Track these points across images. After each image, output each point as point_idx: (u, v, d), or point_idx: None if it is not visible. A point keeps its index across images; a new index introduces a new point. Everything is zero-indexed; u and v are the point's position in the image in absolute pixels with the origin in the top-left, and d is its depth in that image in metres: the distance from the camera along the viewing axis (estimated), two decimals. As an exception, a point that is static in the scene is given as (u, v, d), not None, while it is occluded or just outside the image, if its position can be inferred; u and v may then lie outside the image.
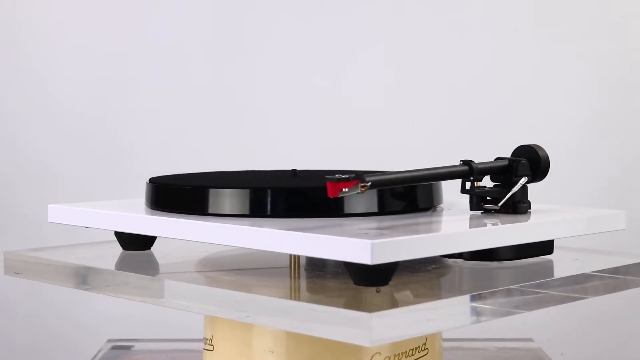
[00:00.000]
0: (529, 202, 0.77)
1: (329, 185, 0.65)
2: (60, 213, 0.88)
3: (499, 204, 0.75)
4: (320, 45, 1.46)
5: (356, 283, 0.65)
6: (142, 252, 0.83)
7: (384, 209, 0.74)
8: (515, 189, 0.75)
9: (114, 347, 1.14)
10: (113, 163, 1.46)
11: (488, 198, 0.76)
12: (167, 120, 1.46)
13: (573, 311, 1.43)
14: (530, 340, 1.16)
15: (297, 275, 0.74)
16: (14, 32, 1.46)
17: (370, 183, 0.67)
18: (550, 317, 1.38)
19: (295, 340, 0.73)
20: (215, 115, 1.46)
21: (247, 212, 0.73)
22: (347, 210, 0.73)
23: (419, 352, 0.76)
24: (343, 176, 0.66)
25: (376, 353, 0.73)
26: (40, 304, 1.46)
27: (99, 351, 1.13)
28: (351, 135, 1.45)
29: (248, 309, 0.65)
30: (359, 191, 0.66)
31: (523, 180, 0.76)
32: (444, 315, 0.63)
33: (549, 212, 0.77)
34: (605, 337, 1.44)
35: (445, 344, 1.08)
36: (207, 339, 0.78)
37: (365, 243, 0.60)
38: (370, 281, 0.65)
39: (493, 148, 1.44)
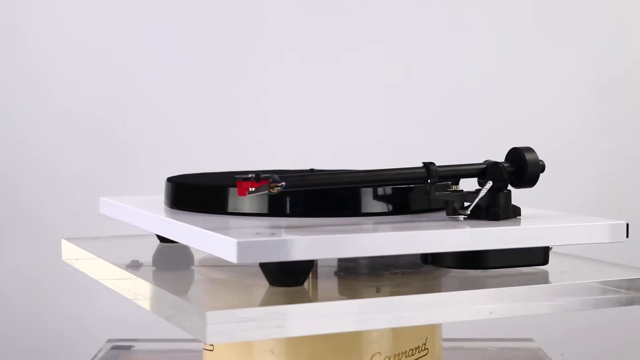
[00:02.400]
0: (516, 208, 0.73)
1: (238, 185, 0.66)
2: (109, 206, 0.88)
3: (468, 210, 0.71)
4: (319, 44, 1.46)
5: (271, 283, 0.66)
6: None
7: (400, 209, 0.74)
8: (481, 194, 0.71)
9: (114, 347, 1.14)
10: (114, 162, 1.46)
11: (466, 204, 0.72)
12: (169, 119, 1.46)
13: (573, 311, 1.42)
14: (530, 340, 1.16)
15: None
16: (14, 32, 1.46)
17: (283, 183, 0.67)
18: (550, 317, 1.38)
19: (295, 340, 0.73)
20: (216, 114, 1.46)
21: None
22: (364, 210, 0.73)
23: (419, 352, 0.76)
24: (251, 176, 0.66)
25: (376, 353, 0.73)
26: (41, 303, 1.46)
27: (99, 351, 1.13)
28: (351, 135, 1.45)
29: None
30: (270, 191, 0.66)
31: (487, 185, 0.71)
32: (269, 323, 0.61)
33: (537, 218, 0.73)
34: (605, 337, 1.44)
35: (445, 344, 1.07)
36: (207, 339, 0.78)
37: (232, 242, 0.61)
38: (281, 281, 0.66)
39: (493, 148, 1.44)
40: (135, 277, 0.73)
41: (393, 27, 1.45)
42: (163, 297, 0.67)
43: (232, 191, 0.74)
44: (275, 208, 0.73)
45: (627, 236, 0.70)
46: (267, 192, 0.66)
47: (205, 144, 1.46)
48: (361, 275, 0.75)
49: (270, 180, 0.66)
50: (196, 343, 1.04)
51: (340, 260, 0.78)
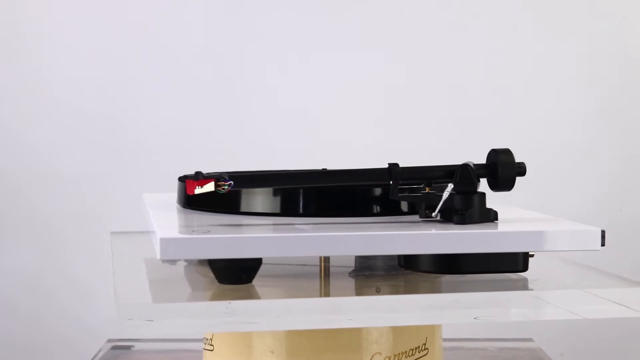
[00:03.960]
0: (491, 211, 0.70)
1: (187, 184, 0.67)
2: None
3: (435, 212, 0.69)
4: (319, 42, 1.46)
5: (219, 281, 0.68)
6: None
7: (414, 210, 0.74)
8: (443, 197, 0.69)
9: (114, 347, 1.14)
10: (115, 161, 1.46)
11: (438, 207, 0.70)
12: (172, 117, 1.46)
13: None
14: (530, 340, 1.16)
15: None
16: (14, 32, 1.46)
17: (231, 183, 0.68)
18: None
19: (295, 340, 0.73)
20: (218, 114, 1.46)
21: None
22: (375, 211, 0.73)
23: (419, 352, 0.76)
24: (201, 175, 0.68)
25: (376, 353, 0.73)
26: (41, 303, 1.46)
27: (99, 351, 1.13)
28: (351, 135, 1.45)
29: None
30: (219, 190, 0.67)
31: (448, 188, 0.69)
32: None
33: (510, 222, 0.71)
34: (605, 337, 1.44)
35: (445, 344, 1.07)
36: (207, 339, 0.78)
37: (157, 238, 0.62)
38: (228, 279, 0.67)
39: (492, 148, 1.44)
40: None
41: (392, 28, 1.45)
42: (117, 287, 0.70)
43: (245, 190, 0.75)
44: (288, 208, 0.73)
45: (603, 244, 0.66)
46: (214, 190, 0.67)
47: (206, 144, 1.46)
48: (373, 276, 0.74)
49: (216, 179, 0.67)
50: (196, 343, 1.04)
51: (357, 260, 0.77)
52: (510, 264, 0.69)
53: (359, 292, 0.71)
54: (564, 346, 1.42)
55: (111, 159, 1.46)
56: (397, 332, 0.74)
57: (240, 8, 1.45)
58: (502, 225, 0.68)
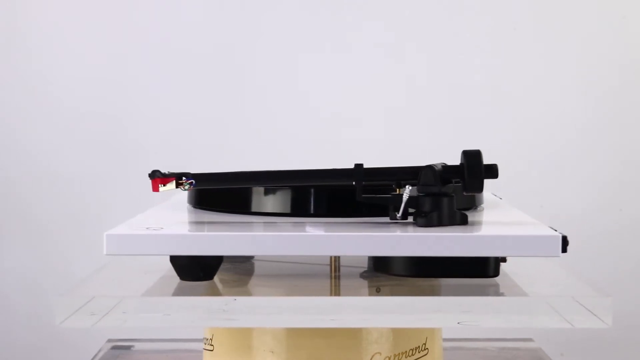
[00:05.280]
0: (458, 214, 0.69)
1: (152, 182, 0.70)
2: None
3: (399, 214, 0.69)
4: (319, 42, 1.46)
5: (181, 278, 0.70)
6: None
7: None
8: (404, 199, 0.68)
9: (114, 347, 1.14)
10: (115, 162, 1.46)
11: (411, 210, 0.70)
12: (171, 117, 1.46)
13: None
14: (530, 340, 1.16)
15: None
16: (13, 33, 1.46)
17: (192, 181, 0.70)
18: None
19: (295, 340, 0.73)
20: (218, 114, 1.46)
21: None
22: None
23: (419, 352, 0.76)
24: (165, 173, 0.70)
25: (376, 353, 0.73)
26: (41, 303, 1.46)
27: (99, 351, 1.13)
28: (352, 134, 1.45)
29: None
30: (182, 188, 0.70)
31: (407, 189, 0.68)
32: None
33: (474, 226, 0.69)
34: (605, 337, 1.44)
35: (446, 344, 1.07)
36: (207, 339, 0.78)
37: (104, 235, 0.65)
38: (187, 276, 0.69)
39: (492, 148, 1.44)
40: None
41: (392, 28, 1.45)
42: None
43: (256, 190, 0.75)
44: (298, 208, 0.74)
45: (564, 251, 0.64)
46: (184, 189, 0.70)
47: (206, 144, 1.46)
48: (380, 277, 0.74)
49: (177, 177, 0.70)
50: (196, 343, 1.04)
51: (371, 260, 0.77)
52: (481, 269, 0.68)
53: (345, 292, 0.71)
54: (564, 346, 1.42)
55: (111, 159, 1.46)
56: (397, 332, 0.74)
57: (241, 8, 1.45)
58: (462, 229, 0.67)
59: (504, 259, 0.69)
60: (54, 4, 1.46)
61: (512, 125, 1.44)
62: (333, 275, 0.75)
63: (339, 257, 0.75)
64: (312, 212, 0.74)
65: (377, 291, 0.68)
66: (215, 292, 0.70)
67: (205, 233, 0.66)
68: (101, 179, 1.45)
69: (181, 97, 1.46)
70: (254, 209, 0.76)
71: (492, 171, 0.69)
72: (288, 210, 0.75)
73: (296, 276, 0.77)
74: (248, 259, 0.82)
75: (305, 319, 0.65)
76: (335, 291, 0.71)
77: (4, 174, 1.47)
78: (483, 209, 0.81)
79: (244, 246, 0.65)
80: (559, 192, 1.43)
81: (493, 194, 0.90)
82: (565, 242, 0.64)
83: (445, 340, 0.84)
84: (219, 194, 0.81)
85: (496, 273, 0.68)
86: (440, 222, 0.68)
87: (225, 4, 1.45)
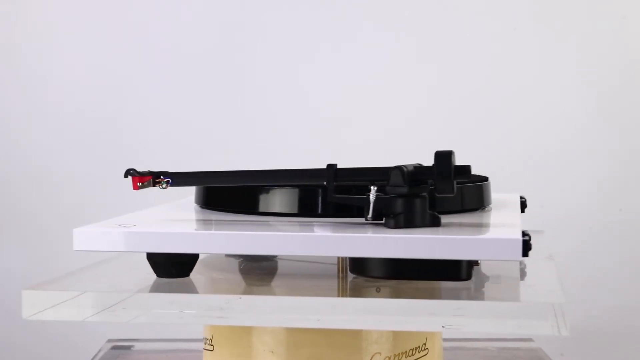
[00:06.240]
0: (428, 216, 0.68)
1: (132, 180, 0.74)
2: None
3: (369, 215, 0.68)
4: (318, 42, 1.46)
5: (158, 275, 0.71)
6: None
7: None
8: (371, 200, 0.68)
9: (114, 347, 1.14)
10: (115, 162, 1.46)
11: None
12: (170, 117, 1.46)
13: (573, 310, 1.42)
14: (530, 340, 1.16)
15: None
16: (13, 33, 1.46)
17: (169, 180, 0.73)
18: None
19: (296, 340, 0.73)
20: (218, 114, 1.46)
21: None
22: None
23: (419, 352, 0.76)
24: (144, 171, 0.74)
25: (376, 353, 0.73)
26: (40, 303, 1.46)
27: (99, 351, 1.13)
28: (352, 134, 1.45)
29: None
30: (159, 186, 0.74)
31: (372, 190, 0.68)
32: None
33: (446, 228, 0.68)
34: (605, 337, 1.44)
35: (446, 344, 1.08)
36: (207, 339, 0.78)
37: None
38: (165, 273, 0.71)
39: (492, 148, 1.45)
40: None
41: (392, 27, 1.45)
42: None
43: (263, 190, 0.76)
44: (305, 208, 0.74)
45: (525, 255, 0.62)
46: (162, 187, 0.73)
47: (207, 144, 1.46)
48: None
49: (153, 176, 0.73)
50: (196, 343, 1.04)
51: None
52: (453, 272, 0.67)
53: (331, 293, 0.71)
54: (564, 346, 1.42)
55: (111, 160, 1.46)
56: (398, 332, 0.74)
57: (241, 8, 1.45)
58: (429, 231, 0.66)
59: (476, 262, 0.68)
60: (51, 5, 1.46)
61: (512, 125, 1.44)
62: (340, 276, 0.75)
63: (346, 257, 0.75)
64: (319, 212, 0.74)
65: (377, 291, 0.68)
66: (216, 291, 0.70)
67: (166, 231, 0.67)
68: (102, 179, 1.45)
69: (181, 97, 1.46)
70: (261, 209, 0.76)
71: (464, 172, 0.68)
72: (294, 211, 0.75)
73: (293, 276, 0.77)
74: (268, 259, 0.83)
75: (291, 318, 0.65)
76: (315, 292, 0.71)
77: (3, 174, 1.47)
78: (491, 209, 0.81)
79: (197, 245, 0.67)
80: (559, 192, 1.43)
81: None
82: (527, 246, 0.62)
83: (445, 340, 0.84)
84: (219, 194, 0.81)
85: (469, 276, 0.67)
86: (408, 224, 0.67)
87: (225, 4, 1.45)
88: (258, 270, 0.79)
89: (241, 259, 0.83)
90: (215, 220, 0.75)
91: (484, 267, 0.75)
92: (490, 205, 0.82)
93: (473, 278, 0.68)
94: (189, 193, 0.89)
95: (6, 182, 1.47)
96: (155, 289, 0.70)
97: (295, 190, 0.75)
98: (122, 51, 1.46)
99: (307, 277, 0.76)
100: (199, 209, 0.83)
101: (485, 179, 0.83)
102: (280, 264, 0.81)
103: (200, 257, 0.84)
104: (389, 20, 1.45)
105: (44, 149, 1.46)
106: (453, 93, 1.45)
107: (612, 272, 1.43)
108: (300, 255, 0.67)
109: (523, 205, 0.87)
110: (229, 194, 0.80)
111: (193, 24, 1.46)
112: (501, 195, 0.90)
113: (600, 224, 1.43)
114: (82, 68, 1.46)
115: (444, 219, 0.70)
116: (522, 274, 0.75)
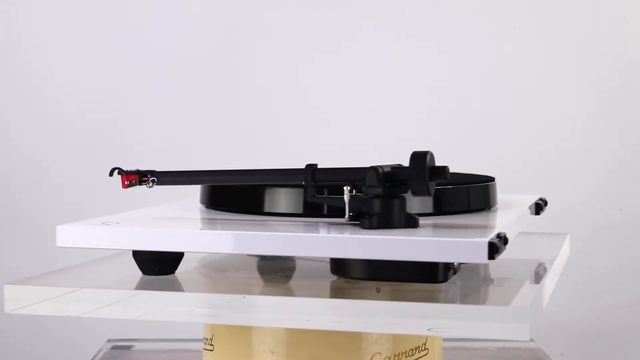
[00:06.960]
0: (404, 217, 0.67)
1: (121, 178, 0.77)
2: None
3: (346, 216, 0.68)
4: (319, 43, 1.46)
5: (143, 272, 0.72)
6: None
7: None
8: (345, 200, 0.67)
9: (114, 347, 1.14)
10: (115, 162, 1.45)
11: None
12: (170, 117, 1.46)
13: (573, 310, 1.43)
14: (530, 340, 1.16)
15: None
16: (12, 33, 1.46)
17: (154, 179, 0.75)
18: (550, 317, 1.38)
19: (296, 340, 0.73)
20: (219, 114, 1.46)
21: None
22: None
23: (419, 352, 0.76)
24: (130, 170, 0.76)
25: (376, 353, 0.73)
26: (40, 303, 1.46)
27: (99, 351, 1.13)
28: (352, 133, 1.45)
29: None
30: (146, 185, 0.76)
31: (346, 191, 0.67)
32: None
33: (421, 230, 0.67)
34: (605, 337, 1.44)
35: (446, 344, 1.07)
36: (207, 339, 0.78)
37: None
38: (150, 270, 0.72)
39: (492, 147, 1.45)
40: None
41: (392, 27, 1.45)
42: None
43: (269, 190, 0.76)
44: (310, 208, 0.74)
45: (492, 257, 0.61)
46: (148, 186, 0.75)
47: (207, 144, 1.46)
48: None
49: (140, 175, 0.76)
50: (196, 343, 1.04)
51: None
52: (429, 274, 0.66)
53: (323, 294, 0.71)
54: (564, 346, 1.42)
55: (110, 160, 1.46)
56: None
57: (241, 8, 1.45)
58: (403, 232, 0.65)
59: (452, 265, 0.67)
60: (51, 5, 1.46)
61: (512, 125, 1.44)
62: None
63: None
64: (325, 212, 0.74)
65: (377, 291, 0.68)
66: (218, 290, 0.70)
67: (147, 229, 0.68)
68: (101, 179, 1.45)
69: (181, 97, 1.46)
70: (266, 209, 0.76)
71: (440, 173, 0.67)
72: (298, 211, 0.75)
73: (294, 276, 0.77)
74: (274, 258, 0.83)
75: (279, 317, 0.65)
76: (301, 292, 0.71)
77: (3, 175, 1.47)
78: (497, 210, 0.81)
79: (178, 243, 0.67)
80: (559, 192, 1.43)
81: (540, 198, 0.88)
82: (493, 248, 0.60)
83: (445, 340, 0.84)
84: (219, 194, 0.81)
85: (445, 278, 0.66)
86: (383, 225, 0.66)
87: (225, 4, 1.45)
88: (270, 270, 0.79)
89: (259, 258, 0.83)
90: (203, 219, 0.76)
91: (471, 270, 0.75)
92: (497, 206, 0.82)
93: (457, 281, 0.68)
94: (193, 193, 0.89)
95: (6, 182, 1.47)
96: (140, 286, 0.70)
97: (281, 190, 0.75)
98: (122, 51, 1.46)
99: (299, 277, 0.76)
100: (204, 208, 0.83)
101: (492, 179, 0.83)
102: (296, 263, 0.81)
103: (200, 256, 0.84)
104: (389, 20, 1.45)
105: (44, 149, 1.46)
106: (453, 93, 1.45)
107: (612, 272, 1.43)
108: (276, 254, 0.69)
109: (539, 207, 0.85)
110: (229, 193, 0.80)
111: (193, 24, 1.46)
112: (516, 197, 0.89)
113: (600, 224, 1.43)
114: (82, 68, 1.46)
115: (445, 219, 0.70)
116: (504, 277, 0.75)
